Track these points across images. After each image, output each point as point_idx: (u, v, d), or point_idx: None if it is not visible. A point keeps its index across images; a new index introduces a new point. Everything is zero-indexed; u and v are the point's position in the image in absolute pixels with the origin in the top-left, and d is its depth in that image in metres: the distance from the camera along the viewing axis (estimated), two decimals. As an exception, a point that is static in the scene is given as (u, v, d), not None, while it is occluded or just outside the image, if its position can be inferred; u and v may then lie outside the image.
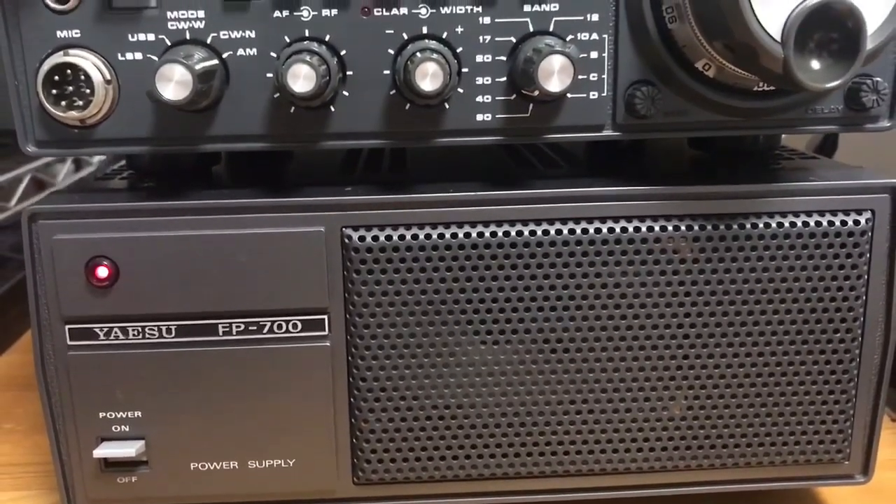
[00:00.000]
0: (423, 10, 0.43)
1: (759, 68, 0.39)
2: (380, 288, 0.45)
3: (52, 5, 0.42)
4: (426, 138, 0.45)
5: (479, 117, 0.45)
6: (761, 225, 0.45)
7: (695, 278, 0.45)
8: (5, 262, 0.83)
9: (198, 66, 0.40)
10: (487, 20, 0.43)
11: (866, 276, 0.46)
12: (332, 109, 0.44)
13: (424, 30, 0.43)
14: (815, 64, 0.38)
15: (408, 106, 0.44)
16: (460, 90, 0.44)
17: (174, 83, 0.40)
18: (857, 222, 0.45)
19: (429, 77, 0.40)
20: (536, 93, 0.42)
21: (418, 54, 0.41)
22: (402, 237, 0.44)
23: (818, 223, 0.45)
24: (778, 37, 0.38)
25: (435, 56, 0.40)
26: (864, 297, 0.46)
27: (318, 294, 0.45)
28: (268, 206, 0.44)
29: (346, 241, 0.44)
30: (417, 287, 0.45)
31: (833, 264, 0.46)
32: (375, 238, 0.44)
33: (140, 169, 0.52)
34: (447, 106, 0.44)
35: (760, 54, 0.38)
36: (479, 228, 0.45)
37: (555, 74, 0.41)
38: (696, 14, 0.41)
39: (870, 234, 0.45)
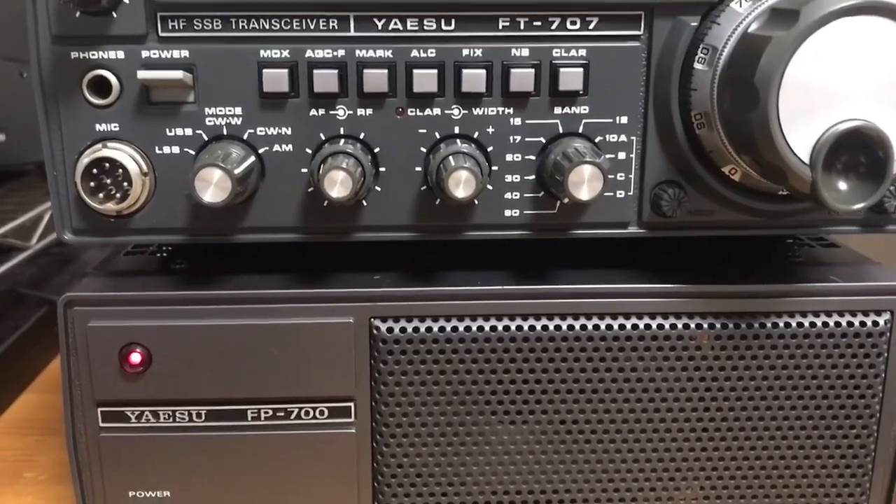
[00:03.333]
0: (456, 111, 0.44)
1: (787, 186, 0.40)
2: (406, 378, 0.46)
3: (93, 100, 0.43)
4: (455, 232, 0.46)
5: (508, 213, 0.45)
6: (781, 324, 0.46)
7: (715, 374, 0.46)
8: (25, 299, 0.84)
9: (237, 170, 0.41)
10: (518, 121, 0.44)
11: (883, 374, 0.47)
12: (365, 204, 0.45)
13: (456, 130, 0.44)
14: (842, 185, 0.39)
15: (438, 201, 0.45)
16: (490, 187, 0.45)
17: (213, 186, 0.40)
18: (875, 323, 0.46)
19: (462, 185, 0.41)
20: (567, 200, 0.43)
21: (451, 160, 0.42)
22: (429, 329, 0.45)
23: (837, 323, 0.46)
24: (806, 159, 0.38)
25: (468, 164, 0.41)
26: (880, 395, 0.47)
27: (345, 382, 0.46)
28: (298, 297, 0.45)
29: (375, 331, 0.45)
30: (443, 378, 0.46)
31: (851, 363, 0.46)
32: (403, 329, 0.45)
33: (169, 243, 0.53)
34: (476, 202, 0.45)
35: (789, 175, 0.39)
36: (506, 322, 0.45)
37: (585, 183, 0.41)
38: (726, 127, 0.41)
39: (888, 334, 0.46)
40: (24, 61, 0.92)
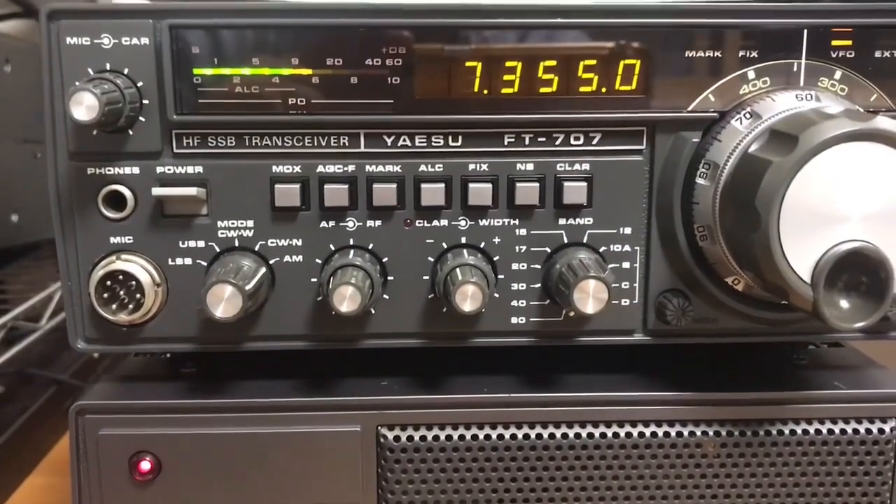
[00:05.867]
0: (463, 223, 0.45)
1: (789, 302, 0.40)
2: (413, 486, 0.46)
3: (108, 214, 0.44)
4: (462, 339, 0.47)
5: (514, 320, 0.46)
6: (787, 431, 0.46)
7: (721, 481, 0.46)
8: (33, 379, 0.84)
9: (248, 286, 0.41)
10: (523, 231, 0.45)
11: (891, 482, 0.47)
12: (373, 311, 0.45)
13: (463, 240, 0.45)
14: (844, 303, 0.39)
15: (444, 309, 0.45)
16: (496, 295, 0.45)
17: (225, 302, 0.41)
18: (881, 430, 0.46)
19: (469, 299, 0.42)
20: (573, 313, 0.43)
21: (458, 273, 0.42)
22: (436, 437, 0.45)
23: (843, 430, 0.46)
24: (808, 278, 0.39)
25: (475, 278, 0.42)
26: (889, 502, 0.47)
27: (352, 490, 0.46)
28: (305, 405, 0.45)
29: (382, 440, 0.45)
30: (450, 486, 0.46)
31: (858, 470, 0.46)
32: (410, 438, 0.45)
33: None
34: (483, 310, 0.45)
35: (790, 294, 0.39)
36: (513, 430, 0.46)
37: (590, 298, 0.42)
38: (728, 241, 0.42)
39: (895, 441, 0.46)
40: (38, 142, 0.93)
